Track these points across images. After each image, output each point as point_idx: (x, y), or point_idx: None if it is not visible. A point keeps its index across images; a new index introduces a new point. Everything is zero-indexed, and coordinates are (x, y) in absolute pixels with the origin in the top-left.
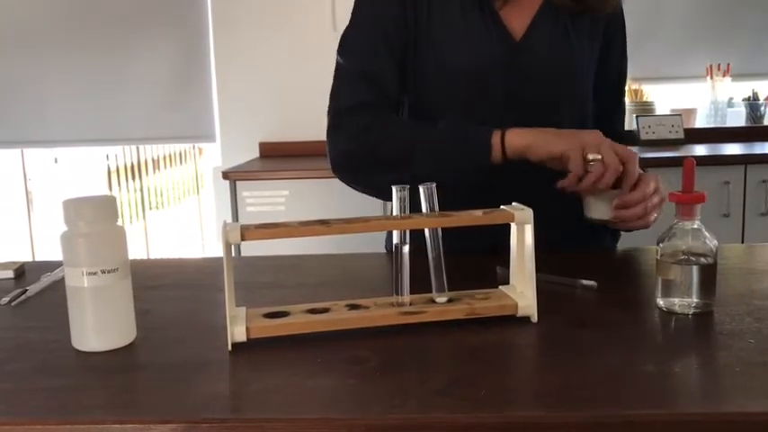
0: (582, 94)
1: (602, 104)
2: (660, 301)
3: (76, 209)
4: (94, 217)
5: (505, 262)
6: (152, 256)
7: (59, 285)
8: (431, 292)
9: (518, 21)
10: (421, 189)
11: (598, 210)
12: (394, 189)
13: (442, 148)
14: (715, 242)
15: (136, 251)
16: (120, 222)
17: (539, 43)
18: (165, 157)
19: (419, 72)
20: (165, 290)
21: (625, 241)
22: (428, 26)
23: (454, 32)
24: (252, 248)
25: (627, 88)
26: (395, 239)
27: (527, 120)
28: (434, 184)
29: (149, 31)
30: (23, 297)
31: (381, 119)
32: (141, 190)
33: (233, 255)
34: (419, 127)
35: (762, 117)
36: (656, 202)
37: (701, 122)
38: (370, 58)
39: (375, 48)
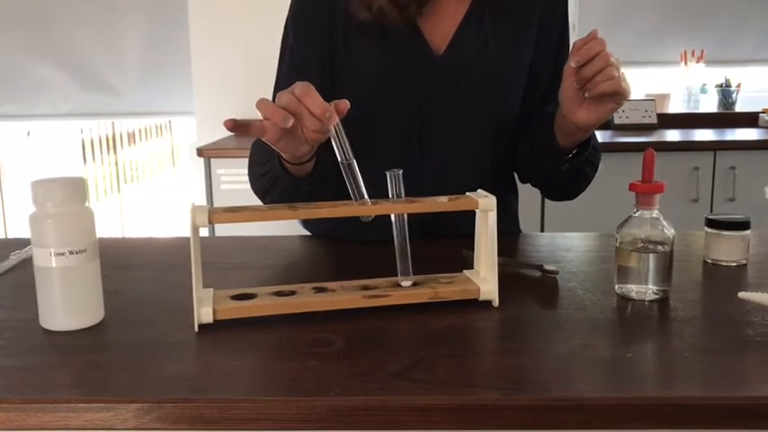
0: (505, 105)
1: (541, 89)
2: (618, 288)
3: (45, 190)
4: (63, 198)
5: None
6: (127, 231)
7: (28, 264)
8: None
9: (440, 33)
10: (388, 175)
11: None
12: None
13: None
14: (672, 231)
15: (111, 226)
16: (88, 203)
17: (460, 58)
18: (140, 131)
19: (336, 82)
20: (135, 270)
21: (587, 228)
22: (344, 39)
23: (370, 44)
24: (226, 227)
25: None
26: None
27: (442, 129)
28: (401, 171)
29: (127, 5)
30: None
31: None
32: (117, 164)
33: (207, 234)
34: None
35: (733, 104)
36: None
37: (674, 108)
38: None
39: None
